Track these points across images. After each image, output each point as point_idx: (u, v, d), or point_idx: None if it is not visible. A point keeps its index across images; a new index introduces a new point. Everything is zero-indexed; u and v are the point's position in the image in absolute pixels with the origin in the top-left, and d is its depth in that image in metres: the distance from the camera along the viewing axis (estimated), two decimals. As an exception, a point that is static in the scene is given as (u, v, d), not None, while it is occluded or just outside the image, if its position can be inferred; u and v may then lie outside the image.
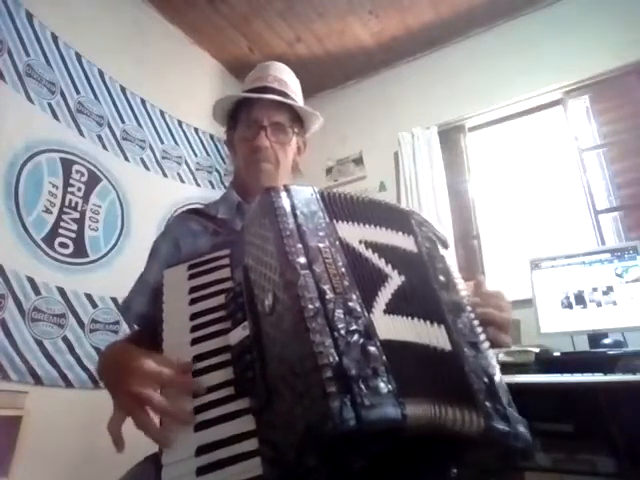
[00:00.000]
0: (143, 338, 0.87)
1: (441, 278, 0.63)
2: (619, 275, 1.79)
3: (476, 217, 2.61)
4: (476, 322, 0.60)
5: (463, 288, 0.66)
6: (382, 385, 0.44)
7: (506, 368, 1.69)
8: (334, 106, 3.23)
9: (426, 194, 2.57)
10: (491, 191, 2.67)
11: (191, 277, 0.73)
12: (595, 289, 1.82)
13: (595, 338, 1.77)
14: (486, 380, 0.52)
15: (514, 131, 2.69)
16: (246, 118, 1.00)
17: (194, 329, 0.65)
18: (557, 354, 1.74)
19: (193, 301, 0.69)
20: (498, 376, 0.55)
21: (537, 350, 1.75)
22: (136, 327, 0.95)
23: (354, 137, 3.06)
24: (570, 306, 1.85)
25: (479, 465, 0.54)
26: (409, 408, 0.44)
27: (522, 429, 0.50)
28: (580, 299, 1.84)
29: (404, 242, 0.66)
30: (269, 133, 0.98)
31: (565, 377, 1.50)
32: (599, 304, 1.80)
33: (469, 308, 0.62)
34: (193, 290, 0.70)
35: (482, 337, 0.59)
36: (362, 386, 0.43)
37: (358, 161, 3.04)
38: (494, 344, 0.64)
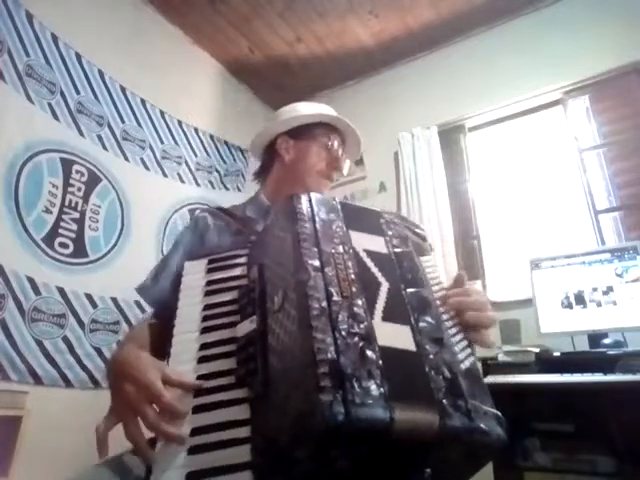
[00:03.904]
0: (156, 330, 0.86)
1: (408, 276, 0.64)
2: (619, 275, 1.79)
3: (476, 217, 2.61)
4: (445, 316, 0.62)
5: (435, 282, 0.67)
6: (374, 387, 0.46)
7: (506, 368, 1.70)
8: (334, 106, 3.22)
9: (426, 194, 2.57)
10: (491, 191, 2.67)
11: (209, 271, 0.76)
12: (595, 289, 1.82)
13: (595, 338, 1.77)
14: (448, 375, 0.52)
15: (514, 131, 2.68)
16: (332, 140, 1.14)
17: (205, 319, 0.67)
18: (557, 354, 1.74)
19: (208, 293, 0.71)
20: (465, 368, 0.55)
21: (537, 350, 1.75)
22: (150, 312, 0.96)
23: (354, 137, 3.05)
24: (570, 306, 1.85)
25: (450, 463, 0.53)
26: (398, 413, 0.45)
27: (487, 422, 0.49)
28: (580, 299, 1.84)
29: (379, 245, 0.68)
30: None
31: (565, 377, 1.50)
32: (599, 304, 1.79)
33: (437, 302, 0.63)
34: (210, 283, 0.73)
35: (451, 331, 0.60)
36: (355, 385, 0.45)
37: (358, 161, 3.04)
38: (482, 346, 0.66)
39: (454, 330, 0.61)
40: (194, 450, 0.52)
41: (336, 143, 1.14)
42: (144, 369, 0.59)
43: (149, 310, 0.95)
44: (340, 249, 0.60)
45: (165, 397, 0.56)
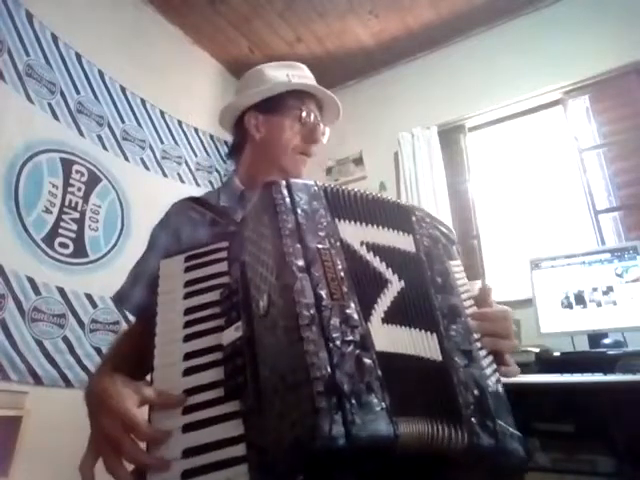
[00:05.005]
0: (139, 332, 0.84)
1: (438, 280, 0.60)
2: (619, 275, 1.79)
3: (476, 217, 2.61)
4: (473, 328, 0.58)
5: (464, 290, 0.63)
6: (375, 402, 0.43)
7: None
8: (334, 106, 3.23)
9: (426, 194, 2.57)
10: (491, 191, 2.67)
11: (187, 269, 0.69)
12: (595, 289, 1.82)
13: (595, 338, 1.77)
14: (476, 392, 0.49)
15: (514, 131, 2.68)
16: (307, 110, 1.00)
17: (187, 325, 0.62)
18: (557, 354, 1.75)
19: (188, 295, 0.66)
20: (493, 385, 0.52)
21: (537, 350, 1.75)
22: (134, 318, 0.93)
23: (354, 137, 3.05)
24: (570, 306, 1.85)
25: None
26: (402, 426, 0.43)
27: (513, 445, 0.48)
28: (580, 299, 1.84)
29: (404, 242, 0.63)
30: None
31: (565, 377, 1.50)
32: (599, 304, 1.79)
33: (467, 312, 0.59)
34: (189, 284, 0.67)
35: (478, 344, 0.57)
36: (354, 402, 0.42)
37: (358, 161, 3.04)
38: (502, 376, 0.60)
39: (479, 343, 0.57)
40: (188, 474, 0.48)
41: (312, 114, 1.00)
42: (119, 396, 0.55)
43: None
44: (326, 243, 0.55)
45: (141, 426, 0.52)
